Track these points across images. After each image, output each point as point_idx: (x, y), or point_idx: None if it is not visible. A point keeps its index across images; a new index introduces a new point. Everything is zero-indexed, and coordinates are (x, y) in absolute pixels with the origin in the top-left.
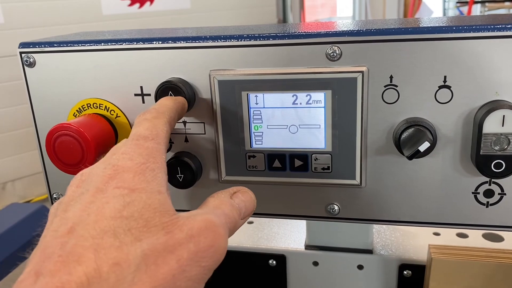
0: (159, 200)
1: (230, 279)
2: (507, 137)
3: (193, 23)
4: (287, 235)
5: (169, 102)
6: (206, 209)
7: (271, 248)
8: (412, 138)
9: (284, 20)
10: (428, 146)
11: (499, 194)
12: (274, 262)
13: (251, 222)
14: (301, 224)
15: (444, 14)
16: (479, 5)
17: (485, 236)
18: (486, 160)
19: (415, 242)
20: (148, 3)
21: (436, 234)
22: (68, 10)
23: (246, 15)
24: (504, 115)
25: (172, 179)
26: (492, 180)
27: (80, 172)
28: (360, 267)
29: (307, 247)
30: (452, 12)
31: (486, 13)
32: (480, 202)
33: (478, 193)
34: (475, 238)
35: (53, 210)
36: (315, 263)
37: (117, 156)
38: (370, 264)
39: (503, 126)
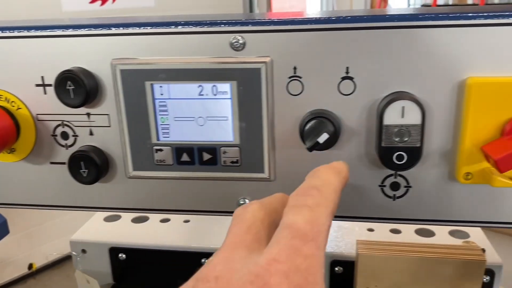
0: None
1: (163, 279)
2: (407, 128)
3: None
4: (220, 233)
5: (334, 178)
6: None
7: (203, 246)
8: (314, 130)
9: None
10: (327, 137)
11: (405, 187)
12: (206, 260)
13: (187, 221)
14: None
15: None
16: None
17: (417, 231)
18: (388, 152)
19: (347, 238)
20: (110, 0)
21: (370, 230)
22: (27, 6)
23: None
24: (403, 106)
25: (76, 175)
26: (397, 172)
27: (215, 261)
28: None
29: None
30: None
31: None
32: (387, 195)
33: (385, 186)
34: (408, 234)
35: None
36: None
37: (267, 259)
38: None
39: (403, 117)
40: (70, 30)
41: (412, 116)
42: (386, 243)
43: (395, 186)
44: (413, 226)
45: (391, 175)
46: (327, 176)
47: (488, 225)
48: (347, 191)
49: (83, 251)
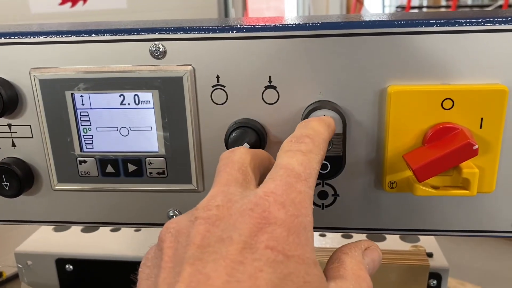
0: (318, 277)
1: None
2: None
3: None
4: None
5: (323, 130)
6: (352, 281)
7: None
8: (238, 140)
9: None
10: (248, 147)
11: (332, 195)
12: None
13: (138, 230)
14: None
15: None
16: (416, 10)
17: (368, 236)
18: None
19: None
20: (81, 2)
21: (322, 235)
22: None
23: (186, 17)
24: (324, 115)
25: None
26: (324, 181)
27: (212, 194)
28: None
29: None
30: None
31: None
32: (315, 204)
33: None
34: (359, 238)
35: (170, 241)
36: None
37: (265, 191)
38: None
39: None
40: None
41: (336, 125)
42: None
43: (323, 195)
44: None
45: (318, 184)
46: (318, 127)
47: (412, 233)
48: None
49: (29, 263)
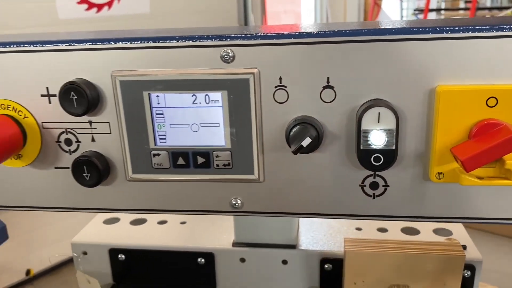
0: None
1: (161, 278)
2: (383, 132)
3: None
4: (216, 234)
5: None
6: None
7: (199, 247)
8: (298, 135)
9: (245, 25)
10: (310, 142)
11: (383, 186)
12: (203, 260)
13: (183, 222)
14: (230, 222)
15: None
16: (435, 13)
17: (403, 230)
18: (366, 154)
19: (336, 237)
20: (106, 7)
21: (358, 229)
22: (24, 13)
23: (207, 20)
24: (379, 112)
25: (79, 178)
26: (376, 173)
27: None
28: (284, 262)
29: (235, 244)
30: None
31: None
32: (367, 194)
33: (365, 185)
34: (394, 232)
35: None
36: (242, 260)
37: None
38: (293, 259)
39: (379, 122)
40: (73, 44)
41: (387, 121)
42: (372, 241)
43: (374, 185)
44: (399, 225)
45: (370, 175)
46: None
47: (456, 221)
48: (331, 191)
49: (84, 252)
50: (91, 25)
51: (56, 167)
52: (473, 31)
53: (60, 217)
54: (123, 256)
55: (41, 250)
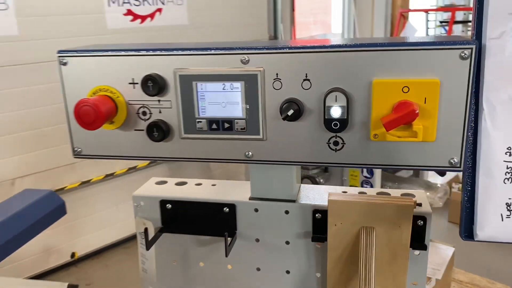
0: None
1: (197, 223)
2: (339, 108)
3: (190, 38)
4: (237, 192)
5: None
6: None
7: (225, 199)
8: (287, 108)
9: (275, 36)
10: (293, 112)
11: (341, 143)
12: (227, 209)
13: (214, 185)
14: (247, 184)
15: (427, 32)
16: (461, 25)
17: (378, 193)
18: (329, 122)
19: (325, 196)
20: (148, 19)
21: (344, 192)
22: (76, 24)
23: (239, 32)
24: (336, 95)
25: (151, 136)
26: (336, 134)
27: None
28: (286, 212)
29: (251, 198)
30: (434, 31)
31: (468, 33)
32: (331, 149)
33: (330, 143)
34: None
35: None
36: (256, 210)
37: None
38: (293, 210)
39: (336, 101)
40: (150, 51)
41: (341, 101)
42: (348, 195)
43: (335, 143)
44: (375, 190)
45: (333, 136)
46: None
47: (389, 167)
48: (309, 146)
49: (141, 203)
50: (136, 35)
51: (135, 130)
52: (392, 45)
53: (100, 209)
54: (169, 206)
55: (85, 235)
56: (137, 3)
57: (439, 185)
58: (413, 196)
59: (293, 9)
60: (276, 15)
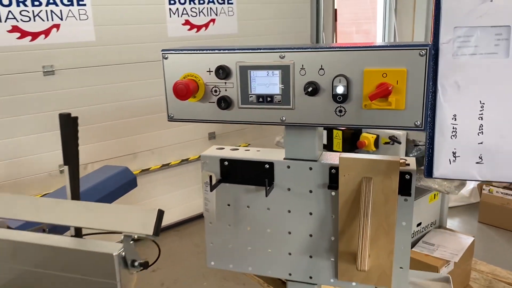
0: None
1: (246, 176)
2: (342, 87)
3: None
4: (275, 154)
5: None
6: None
7: (266, 159)
8: (308, 87)
9: (316, 42)
10: (311, 89)
11: (344, 111)
12: (267, 166)
13: (258, 150)
14: (282, 150)
15: None
16: None
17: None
18: (335, 96)
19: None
20: (203, 28)
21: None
22: (141, 32)
23: (284, 40)
24: (340, 78)
25: (219, 106)
26: (340, 105)
27: None
28: (310, 168)
29: (284, 158)
30: None
31: None
32: (337, 115)
33: (336, 111)
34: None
35: None
36: (288, 167)
37: None
38: (315, 167)
39: (339, 82)
40: (221, 50)
41: (343, 82)
42: (354, 154)
43: (340, 111)
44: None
45: (338, 106)
46: None
47: (374, 127)
48: (322, 113)
49: (206, 161)
50: (192, 42)
51: (209, 102)
52: (376, 47)
53: (156, 194)
54: (226, 163)
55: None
56: (194, 14)
57: None
58: (406, 160)
59: (335, 19)
60: (318, 25)
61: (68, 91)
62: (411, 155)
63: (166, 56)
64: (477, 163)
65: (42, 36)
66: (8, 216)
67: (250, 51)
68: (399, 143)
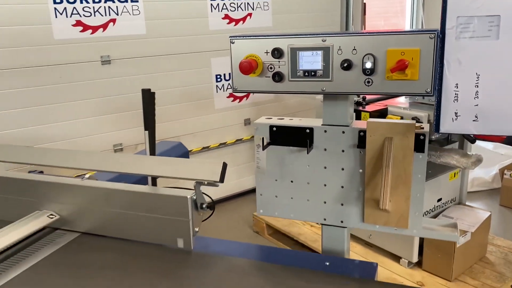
0: None
1: (290, 139)
2: (370, 62)
3: None
4: (315, 121)
5: None
6: None
7: (307, 125)
8: (343, 64)
9: None
10: (346, 65)
11: (371, 82)
12: (308, 131)
13: (301, 119)
14: (320, 119)
15: None
16: None
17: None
18: (365, 70)
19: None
20: (241, 22)
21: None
22: (185, 26)
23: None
24: (368, 56)
25: (274, 79)
26: (368, 77)
27: None
28: (343, 132)
29: (322, 124)
30: None
31: None
32: (366, 85)
33: (365, 82)
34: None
35: None
36: (325, 131)
37: None
38: (347, 131)
39: (368, 60)
40: (278, 36)
41: (371, 60)
42: (378, 118)
43: (368, 82)
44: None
45: (367, 78)
46: None
47: (396, 95)
48: (355, 83)
49: (257, 127)
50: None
51: (266, 76)
52: (396, 32)
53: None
54: (274, 128)
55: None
56: (232, 8)
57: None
58: (421, 124)
59: (364, 13)
60: (348, 18)
61: (122, 78)
62: (433, 137)
63: (233, 41)
64: (473, 120)
65: (101, 29)
66: (104, 169)
67: (299, 36)
68: (421, 123)
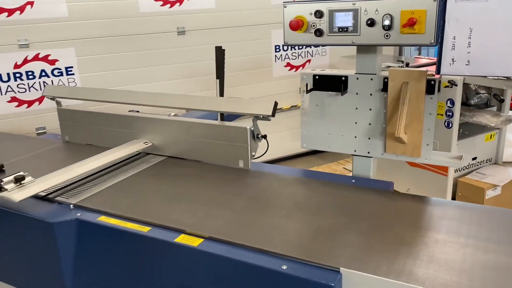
0: None
1: (329, 85)
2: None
3: None
4: (349, 71)
5: None
6: None
7: (343, 74)
8: (369, 21)
9: None
10: (370, 22)
11: (389, 35)
12: (344, 78)
13: (338, 70)
14: (353, 70)
15: None
16: None
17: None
18: (383, 26)
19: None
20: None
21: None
22: (250, 0)
23: None
24: (387, 16)
25: (316, 34)
26: (387, 31)
27: None
28: (371, 79)
29: (355, 73)
30: None
31: None
32: (385, 38)
33: (385, 35)
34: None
35: None
36: (357, 78)
37: None
38: (375, 78)
39: (386, 18)
40: (319, 1)
41: (388, 18)
42: (398, 67)
43: (387, 35)
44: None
45: (385, 33)
46: None
47: (406, 45)
48: (378, 36)
49: (304, 76)
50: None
51: (309, 32)
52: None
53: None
54: (317, 77)
55: None
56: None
57: (502, 114)
58: (432, 72)
59: None
60: None
61: (195, 47)
62: (472, 102)
63: (285, 5)
64: (466, 65)
65: (178, 4)
66: (186, 107)
67: (335, 1)
68: (456, 85)
